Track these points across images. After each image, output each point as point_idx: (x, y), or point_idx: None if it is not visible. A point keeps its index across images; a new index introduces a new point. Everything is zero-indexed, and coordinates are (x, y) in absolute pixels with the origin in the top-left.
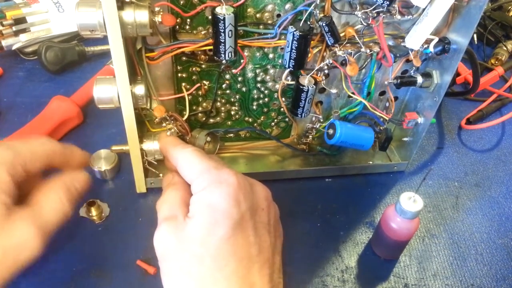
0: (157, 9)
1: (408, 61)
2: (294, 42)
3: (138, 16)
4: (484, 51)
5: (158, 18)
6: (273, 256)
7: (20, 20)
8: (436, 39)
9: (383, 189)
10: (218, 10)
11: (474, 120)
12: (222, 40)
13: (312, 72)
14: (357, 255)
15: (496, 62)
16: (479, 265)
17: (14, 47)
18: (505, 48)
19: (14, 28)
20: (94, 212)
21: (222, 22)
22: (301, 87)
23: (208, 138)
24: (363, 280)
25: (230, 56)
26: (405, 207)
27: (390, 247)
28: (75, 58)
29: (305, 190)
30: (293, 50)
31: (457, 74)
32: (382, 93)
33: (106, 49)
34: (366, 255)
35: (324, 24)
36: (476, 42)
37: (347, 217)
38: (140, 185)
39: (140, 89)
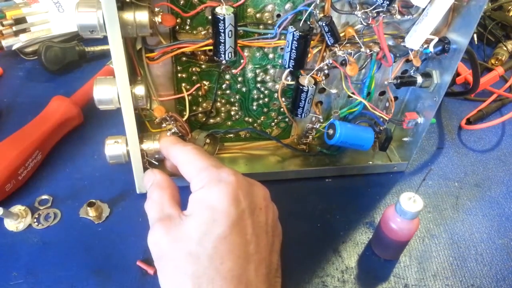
0: (157, 9)
1: (408, 61)
2: (294, 42)
3: (138, 16)
4: (484, 51)
5: (158, 19)
6: (270, 255)
7: (20, 20)
8: (436, 39)
9: (383, 189)
10: (218, 10)
11: (474, 120)
12: (222, 40)
13: (312, 72)
14: (357, 256)
15: (496, 62)
16: (479, 265)
17: (14, 47)
18: (505, 48)
19: (14, 28)
20: (94, 212)
21: (222, 22)
22: (301, 87)
23: (208, 140)
24: (363, 281)
25: (230, 56)
26: (405, 207)
27: (390, 248)
28: (75, 58)
29: (305, 190)
30: (293, 50)
31: (457, 74)
32: (382, 93)
33: (106, 49)
34: (366, 255)
35: (324, 24)
36: (476, 42)
37: (347, 217)
38: (140, 186)
39: (140, 90)
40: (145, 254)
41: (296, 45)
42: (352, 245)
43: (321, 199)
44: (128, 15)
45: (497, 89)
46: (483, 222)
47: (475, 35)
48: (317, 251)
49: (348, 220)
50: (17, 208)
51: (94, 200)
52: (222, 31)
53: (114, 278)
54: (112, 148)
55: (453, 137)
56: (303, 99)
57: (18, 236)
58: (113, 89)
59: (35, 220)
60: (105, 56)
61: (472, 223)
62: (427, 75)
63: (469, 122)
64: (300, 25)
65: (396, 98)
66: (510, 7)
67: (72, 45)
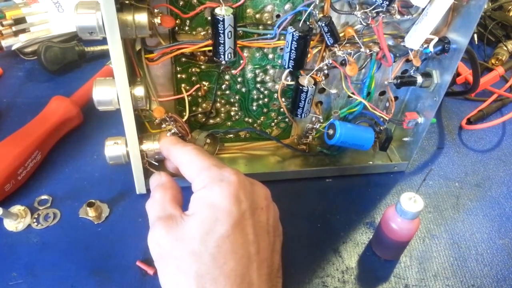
0: (156, 10)
1: (408, 61)
2: (294, 42)
3: (137, 18)
4: (484, 51)
5: (157, 20)
6: (272, 255)
7: (19, 20)
8: (436, 38)
9: (384, 189)
10: (217, 11)
11: (475, 120)
12: (222, 41)
13: (312, 72)
14: (357, 256)
15: (497, 62)
16: (479, 266)
17: (13, 47)
18: (505, 48)
19: (13, 28)
20: (93, 212)
21: (222, 23)
22: (300, 87)
23: (208, 140)
24: (364, 281)
25: (229, 57)
26: (405, 207)
27: (391, 248)
28: (75, 58)
29: (305, 191)
30: (292, 51)
31: (458, 74)
32: (382, 93)
33: (106, 49)
34: (366, 255)
35: (323, 24)
36: (476, 42)
37: (347, 217)
38: (140, 186)
39: (139, 91)
40: (145, 254)
41: (296, 46)
42: (352, 245)
43: (321, 199)
44: (127, 17)
45: (498, 89)
46: (483, 222)
47: (475, 35)
48: (317, 251)
49: (348, 220)
50: (17, 208)
51: (93, 200)
52: (222, 32)
53: (114, 278)
54: (112, 149)
55: (454, 137)
56: (303, 99)
57: (17, 236)
58: (112, 90)
59: (34, 220)
60: (105, 56)
61: (472, 223)
62: (427, 75)
63: (469, 122)
64: (300, 25)
65: (396, 98)
66: (510, 7)
67: (72, 45)
